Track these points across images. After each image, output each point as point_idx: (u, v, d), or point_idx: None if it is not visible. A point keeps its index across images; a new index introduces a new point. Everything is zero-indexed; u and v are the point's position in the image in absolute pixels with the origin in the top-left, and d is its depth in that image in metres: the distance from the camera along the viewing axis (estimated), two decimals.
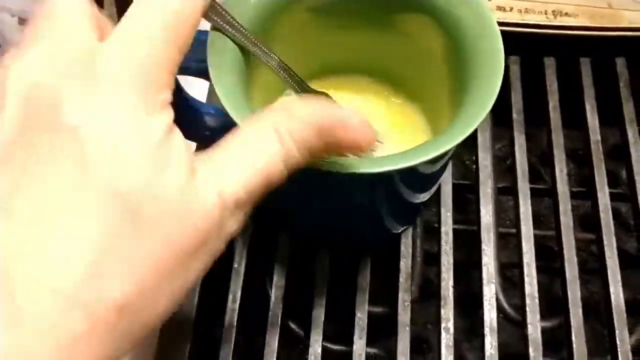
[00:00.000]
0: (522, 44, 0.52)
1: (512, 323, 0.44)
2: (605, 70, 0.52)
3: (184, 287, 0.23)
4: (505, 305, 0.44)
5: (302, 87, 0.36)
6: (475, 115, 0.30)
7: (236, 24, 0.33)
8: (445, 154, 0.30)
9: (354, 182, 0.32)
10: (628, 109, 0.49)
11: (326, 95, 0.38)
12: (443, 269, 0.42)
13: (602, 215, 0.44)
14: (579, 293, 0.41)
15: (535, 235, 0.44)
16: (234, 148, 0.25)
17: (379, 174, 0.29)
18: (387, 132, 0.40)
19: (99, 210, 0.21)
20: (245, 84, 0.34)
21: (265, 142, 0.25)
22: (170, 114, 0.24)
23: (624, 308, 0.41)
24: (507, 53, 0.52)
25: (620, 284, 0.42)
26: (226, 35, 0.32)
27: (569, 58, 0.52)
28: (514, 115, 0.49)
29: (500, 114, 0.50)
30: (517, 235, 0.44)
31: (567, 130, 0.49)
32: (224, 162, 0.24)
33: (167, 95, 0.24)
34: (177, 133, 0.24)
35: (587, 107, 0.50)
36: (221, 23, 0.32)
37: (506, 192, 0.49)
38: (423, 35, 0.36)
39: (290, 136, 0.25)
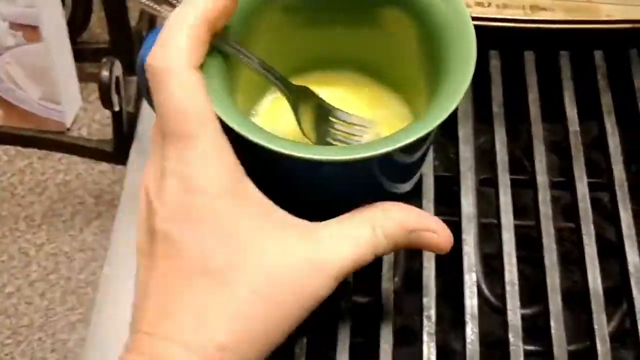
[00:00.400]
0: (502, 38, 0.53)
1: (494, 310, 0.44)
2: (584, 63, 0.52)
3: (277, 336, 0.30)
4: (488, 293, 0.45)
5: (284, 85, 0.37)
6: (448, 103, 0.30)
7: (225, 36, 0.34)
8: (421, 141, 0.30)
9: (334, 170, 0.32)
10: (606, 101, 0.50)
11: (307, 89, 0.38)
12: (425, 258, 0.42)
13: (580, 204, 0.45)
14: (557, 280, 0.42)
15: (516, 225, 0.45)
16: (336, 234, 0.31)
17: (351, 160, 0.29)
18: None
19: (195, 285, 0.29)
20: (229, 86, 0.35)
21: (361, 233, 0.31)
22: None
23: (602, 294, 0.41)
24: (488, 48, 0.53)
25: (598, 270, 0.42)
26: (216, 46, 0.33)
27: (548, 52, 0.53)
28: (495, 109, 0.50)
29: (481, 107, 0.50)
30: (498, 225, 0.44)
31: (547, 123, 0.49)
32: (327, 242, 0.31)
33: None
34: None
35: (566, 99, 0.50)
36: None
37: (488, 184, 0.49)
38: (398, 28, 0.37)
39: (382, 232, 0.31)
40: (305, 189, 0.35)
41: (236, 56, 0.35)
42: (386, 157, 0.30)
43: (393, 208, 0.32)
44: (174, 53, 0.30)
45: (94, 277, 1.11)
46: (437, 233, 0.33)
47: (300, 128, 0.37)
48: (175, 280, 0.29)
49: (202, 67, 0.32)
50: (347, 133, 0.38)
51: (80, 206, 1.22)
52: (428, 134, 0.30)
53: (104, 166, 1.23)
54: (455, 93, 0.31)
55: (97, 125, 1.29)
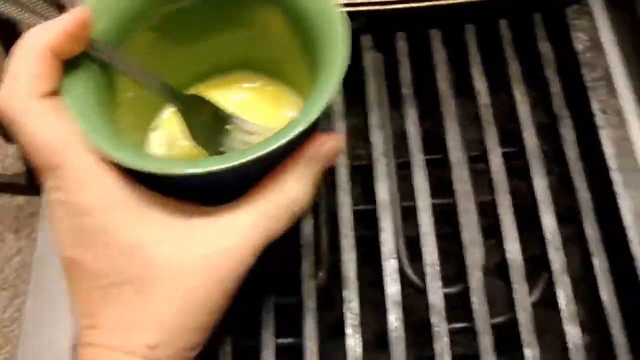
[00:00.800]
0: (407, 19, 0.54)
1: (421, 293, 0.46)
2: (490, 34, 0.54)
3: (208, 322, 0.33)
4: (414, 277, 0.46)
5: (170, 93, 0.37)
6: (314, 107, 0.31)
7: (97, 45, 0.34)
8: (294, 141, 0.31)
9: (209, 178, 0.33)
10: (514, 69, 0.52)
11: (200, 98, 0.39)
12: (344, 251, 0.44)
13: (495, 175, 0.47)
14: (478, 256, 0.44)
15: (436, 205, 0.47)
16: (243, 215, 0.33)
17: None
18: (270, 124, 0.41)
19: (114, 298, 0.32)
20: (105, 104, 0.35)
21: (271, 207, 0.33)
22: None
23: (522, 265, 0.43)
24: (393, 30, 0.55)
25: (517, 241, 0.44)
26: (90, 55, 0.34)
27: (453, 27, 0.55)
28: (404, 90, 0.52)
29: (393, 91, 0.52)
30: (415, 208, 0.46)
31: (459, 98, 0.51)
32: (235, 226, 0.33)
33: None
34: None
35: (475, 72, 0.52)
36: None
37: (406, 167, 0.51)
38: (272, 26, 0.38)
39: (297, 197, 0.34)
40: (197, 191, 0.35)
41: (112, 65, 0.35)
42: (264, 158, 0.31)
43: (296, 172, 0.34)
44: (18, 89, 0.32)
45: (19, 314, 1.11)
46: (330, 154, 0.35)
47: (192, 137, 0.38)
48: (95, 297, 0.32)
49: (71, 87, 0.33)
50: (243, 141, 0.39)
51: (1, 243, 1.22)
52: (301, 133, 0.31)
53: (20, 200, 1.22)
54: (323, 92, 0.32)
55: (11, 159, 1.29)
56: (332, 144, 0.35)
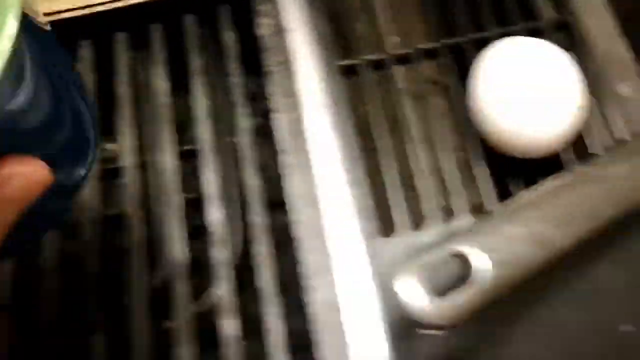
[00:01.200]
0: (91, 25, 0.53)
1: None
2: (176, 32, 0.54)
3: None
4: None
5: None
6: None
7: None
8: None
9: None
10: (197, 65, 0.51)
11: None
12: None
13: (168, 176, 0.46)
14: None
15: (107, 216, 0.46)
16: None
17: None
18: None
19: None
20: None
21: None
22: None
23: (185, 267, 0.43)
24: (80, 38, 0.53)
25: (181, 243, 0.44)
26: None
27: (139, 29, 0.54)
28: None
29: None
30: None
31: (140, 102, 0.51)
32: None
33: None
34: None
35: (158, 72, 0.51)
36: None
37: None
38: None
39: None
40: None
41: None
42: None
43: None
44: None
45: None
46: (26, 192, 0.25)
47: None
48: None
49: None
50: None
51: None
52: None
53: None
54: None
55: None
56: (26, 179, 0.25)
